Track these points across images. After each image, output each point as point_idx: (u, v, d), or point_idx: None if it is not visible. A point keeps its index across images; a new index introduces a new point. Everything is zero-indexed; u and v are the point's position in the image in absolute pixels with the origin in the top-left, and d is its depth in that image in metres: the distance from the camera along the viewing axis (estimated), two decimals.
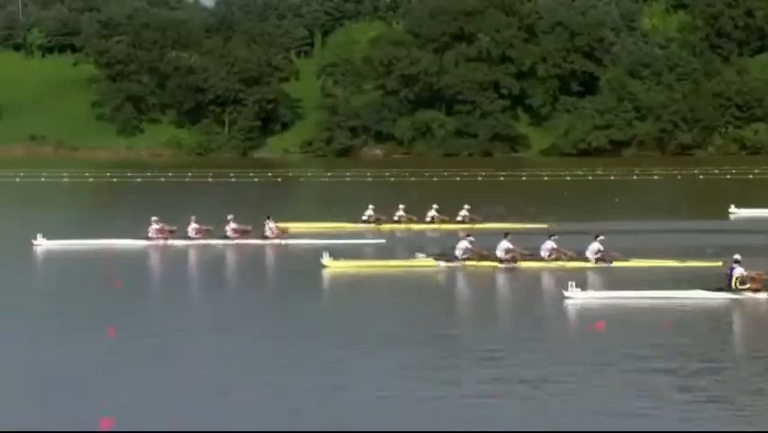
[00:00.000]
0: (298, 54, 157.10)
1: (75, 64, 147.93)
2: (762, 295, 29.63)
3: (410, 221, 49.95)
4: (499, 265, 36.09)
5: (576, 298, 29.25)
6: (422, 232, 48.82)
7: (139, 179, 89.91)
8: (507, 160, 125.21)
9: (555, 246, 36.44)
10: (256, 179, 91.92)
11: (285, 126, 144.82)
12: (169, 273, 38.11)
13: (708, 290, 30.09)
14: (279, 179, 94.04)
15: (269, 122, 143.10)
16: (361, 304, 30.39)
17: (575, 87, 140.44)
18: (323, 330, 25.82)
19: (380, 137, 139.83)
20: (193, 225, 42.84)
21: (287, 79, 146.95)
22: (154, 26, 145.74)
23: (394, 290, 32.57)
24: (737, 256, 30.20)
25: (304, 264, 37.81)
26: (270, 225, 43.29)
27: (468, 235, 37.94)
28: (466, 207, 49.83)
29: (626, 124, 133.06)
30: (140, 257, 40.53)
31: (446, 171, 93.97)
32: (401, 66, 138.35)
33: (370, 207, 50.05)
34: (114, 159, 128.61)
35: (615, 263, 35.85)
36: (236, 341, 24.52)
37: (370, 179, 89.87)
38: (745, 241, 41.49)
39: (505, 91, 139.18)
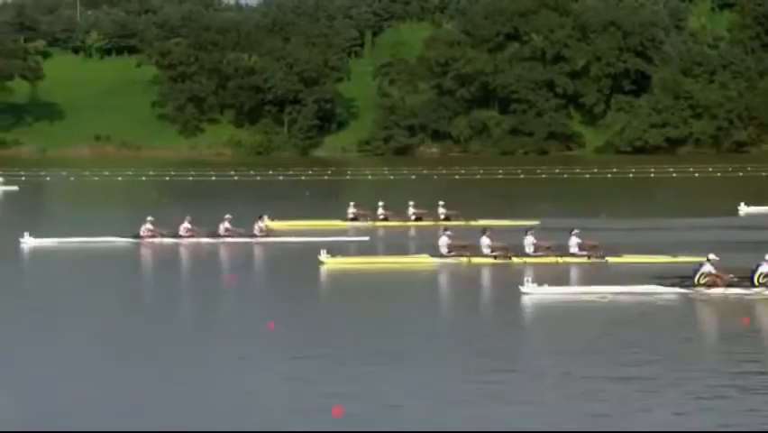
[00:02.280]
0: (349, 54, 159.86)
1: (138, 65, 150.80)
2: (715, 291, 29.81)
3: (391, 218, 50.56)
4: (484, 260, 36.43)
5: (532, 293, 29.54)
6: (404, 229, 49.12)
7: (213, 177, 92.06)
8: (563, 157, 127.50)
9: (535, 241, 36.85)
10: (326, 177, 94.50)
11: (340, 125, 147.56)
12: (158, 271, 38.39)
13: (664, 285, 30.30)
14: (348, 175, 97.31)
15: (326, 121, 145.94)
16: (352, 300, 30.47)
17: (627, 85, 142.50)
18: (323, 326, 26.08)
19: (437, 136, 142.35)
20: (185, 225, 43.32)
21: (341, 79, 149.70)
22: (214, 28, 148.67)
23: (384, 286, 32.74)
24: (712, 255, 30.49)
25: (297, 261, 37.86)
26: (260, 224, 43.86)
27: (446, 231, 38.36)
28: (441, 203, 50.51)
29: (682, 122, 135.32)
30: (163, 253, 41.13)
31: (501, 169, 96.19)
32: (457, 66, 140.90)
33: (352, 204, 51.08)
34: (178, 158, 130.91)
35: (609, 259, 36.07)
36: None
37: (414, 178, 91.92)
38: (752, 236, 43.02)
39: (559, 90, 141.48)
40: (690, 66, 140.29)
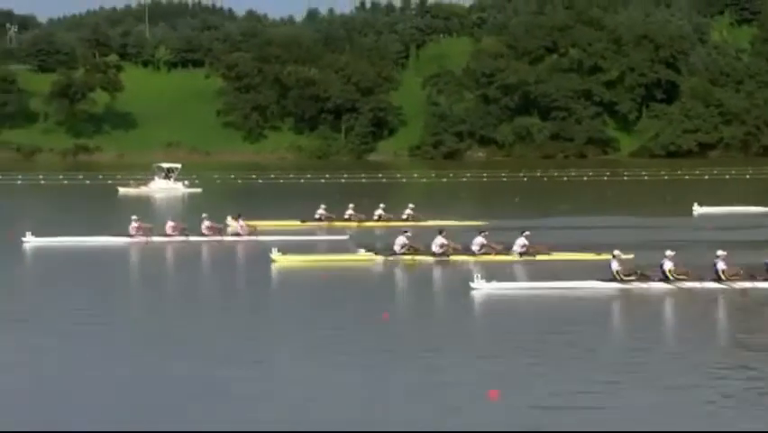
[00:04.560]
0: (395, 66, 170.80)
1: (207, 77, 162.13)
2: (650, 285, 31.35)
3: (359, 219, 52.24)
4: (434, 259, 37.85)
5: (481, 288, 30.77)
6: (370, 229, 50.55)
7: (281, 180, 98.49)
8: (600, 161, 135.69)
9: (485, 242, 38.32)
10: (384, 180, 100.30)
11: (391, 131, 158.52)
12: (148, 269, 39.60)
13: (602, 280, 31.68)
14: (405, 179, 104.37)
15: (379, 127, 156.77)
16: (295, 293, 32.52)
17: (659, 94, 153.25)
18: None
19: (483, 141, 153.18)
20: (170, 224, 45.34)
21: (393, 89, 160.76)
22: (276, 42, 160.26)
23: (329, 282, 33.98)
24: (617, 252, 32.50)
25: (255, 259, 39.58)
26: (241, 223, 45.95)
27: (405, 231, 39.53)
28: (410, 205, 52.60)
29: (713, 127, 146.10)
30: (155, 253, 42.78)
31: (539, 171, 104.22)
32: (502, 76, 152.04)
33: (322, 206, 52.78)
34: (247, 162, 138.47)
35: (539, 257, 37.73)
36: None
37: (464, 180, 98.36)
38: (703, 236, 45.73)
39: (596, 98, 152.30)
40: (718, 76, 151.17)
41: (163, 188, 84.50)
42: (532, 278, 33.48)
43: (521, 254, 37.90)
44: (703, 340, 24.74)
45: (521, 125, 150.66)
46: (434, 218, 50.12)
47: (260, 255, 39.18)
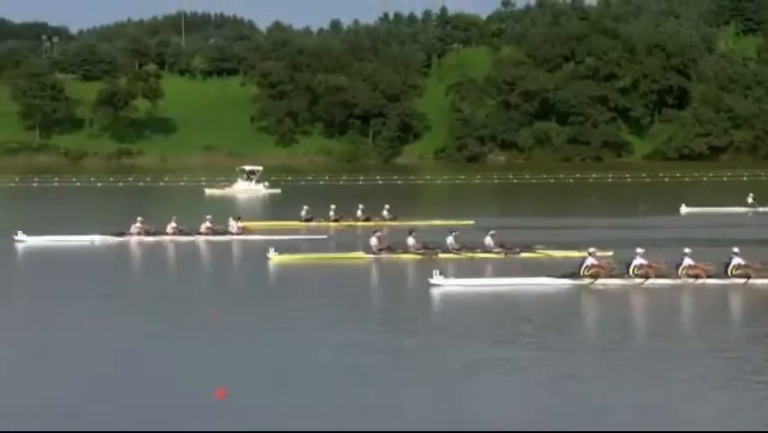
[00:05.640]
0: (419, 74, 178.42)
1: (242, 85, 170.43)
2: (610, 281, 32.33)
3: (342, 219, 54.68)
4: (412, 257, 39.33)
5: (440, 284, 31.96)
6: (353, 228, 52.69)
7: (302, 182, 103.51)
8: (615, 164, 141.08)
9: (455, 240, 39.82)
10: (399, 182, 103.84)
11: (416, 136, 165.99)
12: (147, 265, 42.09)
13: (555, 277, 32.73)
14: (421, 181, 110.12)
15: (405, 132, 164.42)
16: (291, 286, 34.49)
17: (670, 100, 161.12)
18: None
19: (504, 145, 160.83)
20: (171, 225, 47.35)
21: (419, 96, 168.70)
22: (307, 52, 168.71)
23: (317, 277, 35.92)
24: (592, 249, 33.48)
25: (254, 256, 41.61)
26: (237, 224, 47.98)
27: (376, 231, 41.24)
28: (387, 206, 55.10)
29: (724, 132, 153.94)
30: (157, 250, 45.05)
31: (561, 174, 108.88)
32: (523, 84, 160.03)
33: (305, 207, 55.18)
34: (280, 165, 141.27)
35: (523, 255, 39.30)
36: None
37: (482, 181, 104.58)
38: (692, 234, 46.91)
39: (611, 104, 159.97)
40: (727, 83, 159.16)
41: (246, 189, 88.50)
42: (492, 274, 34.82)
43: (490, 252, 39.37)
44: (652, 334, 26.02)
45: (540, 130, 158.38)
46: (413, 219, 52.69)
47: (258, 252, 41.59)
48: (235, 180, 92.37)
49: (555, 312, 28.95)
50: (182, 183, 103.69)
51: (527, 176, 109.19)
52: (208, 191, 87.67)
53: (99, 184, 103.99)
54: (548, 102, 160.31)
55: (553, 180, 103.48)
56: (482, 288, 32.46)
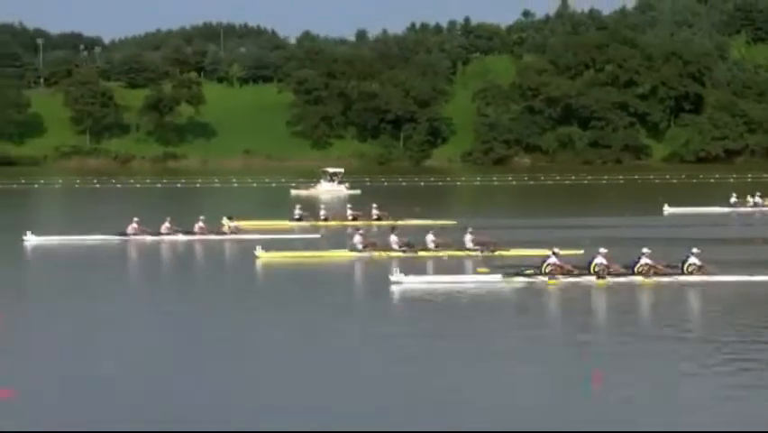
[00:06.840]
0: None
1: (280, 92, 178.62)
2: (568, 279, 32.89)
3: (333, 219, 56.72)
4: (392, 254, 40.09)
5: (400, 282, 32.61)
6: (343, 228, 54.16)
7: (368, 182, 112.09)
8: (634, 166, 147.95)
9: (434, 238, 40.98)
10: (421, 184, 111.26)
11: (444, 140, 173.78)
12: (143, 264, 43.64)
13: (510, 275, 33.51)
14: (458, 182, 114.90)
15: (434, 136, 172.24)
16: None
17: (687, 105, 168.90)
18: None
19: (528, 148, 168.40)
20: (165, 225, 48.53)
21: (446, 101, 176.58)
22: (341, 60, 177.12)
23: (298, 273, 37.31)
24: (556, 249, 34.17)
25: (244, 255, 42.86)
26: (231, 224, 49.21)
27: (358, 230, 42.43)
28: (375, 205, 57.15)
29: (739, 135, 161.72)
30: (153, 249, 46.69)
31: (579, 175, 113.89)
32: (546, 90, 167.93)
33: (298, 206, 57.23)
34: (315, 167, 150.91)
35: (499, 253, 40.19)
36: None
37: (501, 183, 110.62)
38: (675, 234, 48.59)
39: (631, 109, 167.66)
40: (741, 89, 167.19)
41: (328, 190, 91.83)
42: (458, 272, 35.73)
43: (468, 249, 40.46)
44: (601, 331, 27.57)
45: (563, 134, 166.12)
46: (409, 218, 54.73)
47: (246, 250, 43.28)
48: (319, 182, 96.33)
49: (493, 309, 29.92)
50: (254, 184, 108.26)
51: (542, 177, 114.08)
52: (294, 192, 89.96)
53: (158, 185, 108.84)
54: (571, 107, 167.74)
55: (569, 181, 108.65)
56: (439, 285, 33.15)
